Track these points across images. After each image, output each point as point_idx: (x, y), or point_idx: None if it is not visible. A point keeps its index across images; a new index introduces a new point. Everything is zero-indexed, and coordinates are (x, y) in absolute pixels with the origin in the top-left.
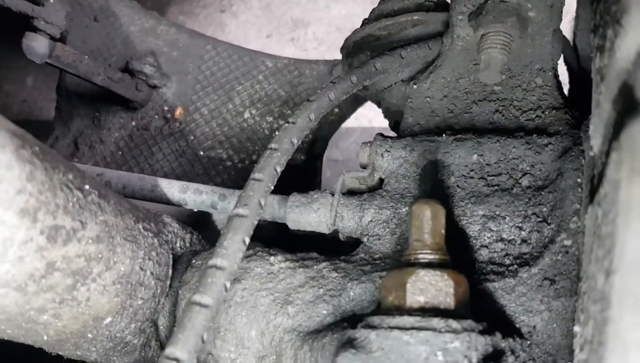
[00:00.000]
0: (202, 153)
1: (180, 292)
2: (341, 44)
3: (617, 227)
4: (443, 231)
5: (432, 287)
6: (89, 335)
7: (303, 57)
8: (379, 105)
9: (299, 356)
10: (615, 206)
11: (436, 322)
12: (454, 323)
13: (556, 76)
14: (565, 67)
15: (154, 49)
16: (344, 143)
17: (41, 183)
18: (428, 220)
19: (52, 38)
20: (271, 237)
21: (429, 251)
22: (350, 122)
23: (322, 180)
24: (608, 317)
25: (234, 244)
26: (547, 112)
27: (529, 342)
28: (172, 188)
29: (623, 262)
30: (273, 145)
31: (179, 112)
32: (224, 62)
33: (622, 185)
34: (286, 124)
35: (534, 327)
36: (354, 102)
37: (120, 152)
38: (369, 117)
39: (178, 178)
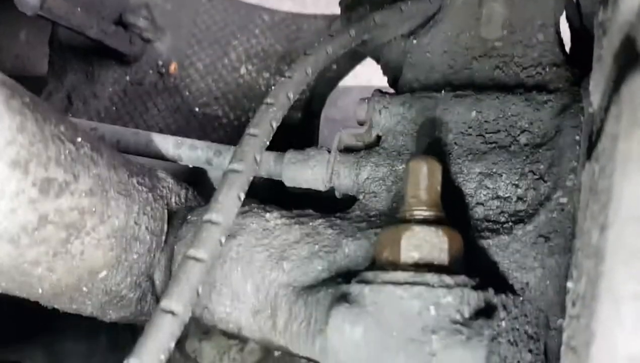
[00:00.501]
0: (197, 109)
1: (175, 247)
2: None
3: (614, 181)
4: (439, 188)
5: (426, 243)
6: (84, 289)
7: (301, 11)
8: (378, 61)
9: (294, 310)
10: (612, 160)
11: (429, 277)
12: (447, 279)
13: (558, 32)
14: (567, 26)
15: (147, 1)
16: (342, 101)
17: (32, 134)
18: (424, 177)
19: None
20: (267, 196)
21: (424, 207)
22: (349, 80)
23: (320, 138)
24: (601, 271)
25: (229, 199)
26: (547, 69)
27: (521, 298)
28: (166, 144)
29: (618, 215)
30: (269, 100)
31: (173, 67)
32: (219, 15)
33: (620, 138)
34: (282, 78)
35: (527, 283)
36: (352, 59)
37: (114, 108)
38: (368, 75)
39: (173, 134)
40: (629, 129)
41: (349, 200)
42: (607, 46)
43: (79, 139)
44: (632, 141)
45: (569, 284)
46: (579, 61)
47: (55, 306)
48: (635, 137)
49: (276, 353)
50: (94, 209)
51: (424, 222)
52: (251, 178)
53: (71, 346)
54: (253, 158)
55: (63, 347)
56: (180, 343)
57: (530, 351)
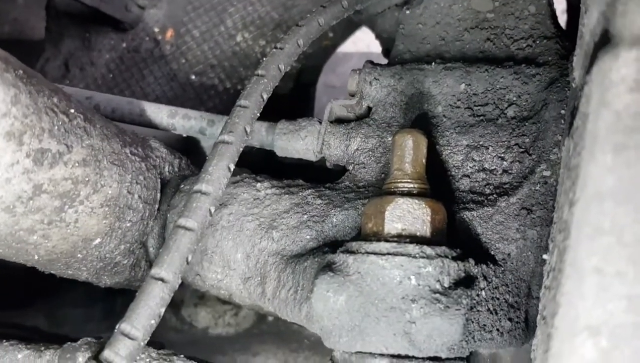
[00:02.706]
0: (193, 77)
1: (168, 215)
2: None
3: (582, 160)
4: (424, 161)
5: (409, 214)
6: (79, 255)
7: None
8: (373, 30)
9: (282, 278)
10: (582, 139)
11: (411, 248)
12: (428, 250)
13: (550, 4)
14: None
15: None
16: (341, 68)
17: (26, 106)
18: (410, 150)
19: None
20: (260, 163)
21: (409, 180)
22: (348, 47)
23: (318, 106)
24: (568, 245)
25: (218, 170)
26: (538, 42)
27: (502, 268)
28: (160, 113)
29: (584, 193)
30: (260, 72)
31: (169, 34)
32: None
33: (589, 118)
34: (274, 50)
35: (509, 254)
36: (349, 26)
37: (111, 75)
38: (367, 42)
39: (169, 102)
40: (597, 109)
41: (341, 171)
42: (587, 23)
43: (72, 110)
44: (600, 122)
45: (545, 256)
46: (574, 34)
47: (52, 271)
48: (602, 118)
49: (270, 318)
50: (87, 179)
51: (408, 194)
52: (241, 149)
53: (69, 311)
54: (243, 129)
55: (62, 312)
56: (176, 307)
57: (510, 319)
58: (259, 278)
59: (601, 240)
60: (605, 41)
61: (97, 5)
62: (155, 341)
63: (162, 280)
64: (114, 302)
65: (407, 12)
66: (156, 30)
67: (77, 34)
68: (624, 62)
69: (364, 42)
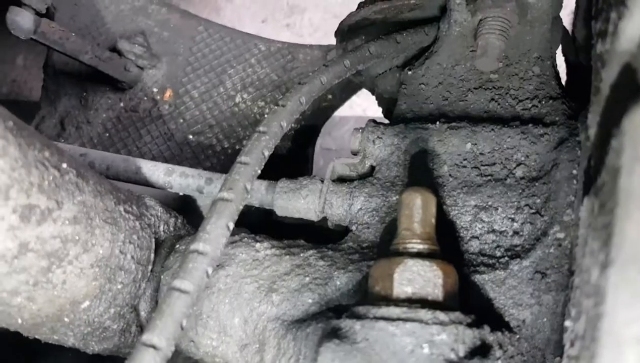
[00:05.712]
0: (191, 137)
1: (162, 277)
2: None
3: (616, 218)
4: (433, 220)
5: (420, 277)
6: (66, 320)
7: (298, 42)
8: (372, 92)
9: (282, 345)
10: (613, 196)
11: (423, 313)
12: (442, 315)
13: (554, 65)
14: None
15: (144, 28)
16: (337, 131)
17: (14, 159)
18: (418, 209)
19: (37, 13)
20: (259, 223)
21: (418, 240)
22: (344, 111)
23: (315, 169)
24: (602, 312)
25: (217, 229)
26: (543, 102)
27: (517, 336)
28: (157, 171)
29: (620, 254)
30: (261, 128)
31: (168, 94)
32: (215, 44)
33: (622, 173)
34: (276, 107)
35: (524, 320)
36: (347, 90)
37: (107, 134)
38: (363, 106)
39: (166, 161)
40: (631, 163)
41: (342, 231)
42: (605, 78)
43: (64, 165)
44: (635, 176)
45: (567, 323)
46: (574, 95)
47: (36, 337)
48: (637, 172)
49: None
50: (77, 237)
51: (418, 255)
52: (241, 207)
53: None
54: (243, 187)
55: None
56: None
57: None
58: (257, 346)
59: None
60: (634, 92)
61: (96, 65)
62: None
63: (154, 347)
64: None
65: (410, 72)
66: (155, 90)
67: (74, 93)
68: None
69: (360, 107)
